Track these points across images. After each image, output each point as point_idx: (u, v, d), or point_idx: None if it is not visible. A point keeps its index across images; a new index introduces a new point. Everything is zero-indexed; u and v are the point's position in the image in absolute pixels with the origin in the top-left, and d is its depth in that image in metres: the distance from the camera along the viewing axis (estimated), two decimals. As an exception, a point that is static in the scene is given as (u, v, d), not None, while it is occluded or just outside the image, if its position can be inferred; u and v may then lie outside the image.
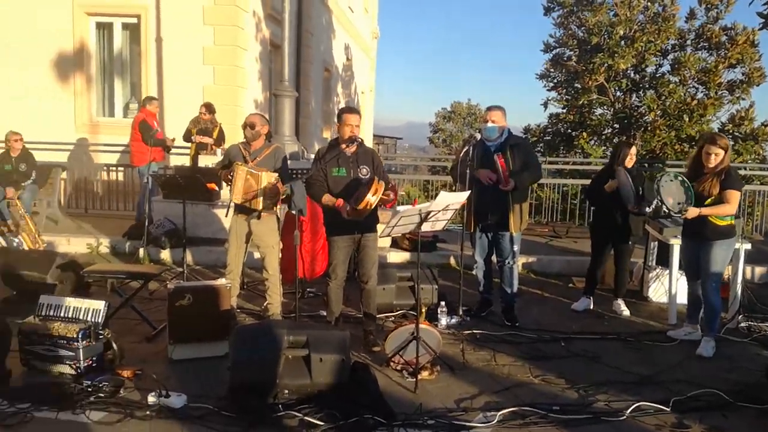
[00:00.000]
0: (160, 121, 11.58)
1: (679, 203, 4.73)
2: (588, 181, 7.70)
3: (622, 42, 14.95)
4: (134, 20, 11.99)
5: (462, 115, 36.39)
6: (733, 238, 4.86)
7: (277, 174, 4.91)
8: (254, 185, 4.80)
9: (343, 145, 4.63)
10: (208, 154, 8.87)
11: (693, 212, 4.66)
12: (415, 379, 4.05)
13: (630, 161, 5.72)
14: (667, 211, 4.84)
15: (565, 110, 16.50)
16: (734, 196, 4.63)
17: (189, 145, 9.19)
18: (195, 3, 11.58)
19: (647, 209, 5.73)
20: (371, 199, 4.28)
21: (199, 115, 9.02)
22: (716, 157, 4.69)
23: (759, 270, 7.45)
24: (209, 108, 9.08)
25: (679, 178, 4.79)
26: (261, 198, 4.78)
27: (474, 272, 5.76)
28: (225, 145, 9.07)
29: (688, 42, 15.51)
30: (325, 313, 5.47)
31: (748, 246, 5.64)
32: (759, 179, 13.11)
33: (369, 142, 22.04)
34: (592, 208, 8.35)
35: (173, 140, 8.85)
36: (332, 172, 4.62)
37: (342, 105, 20.80)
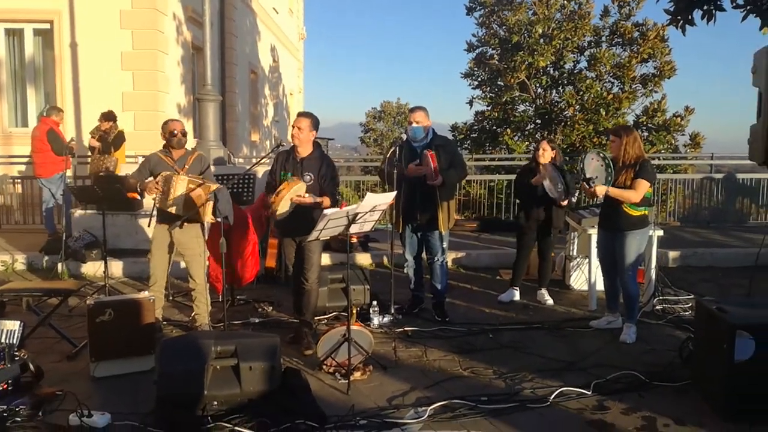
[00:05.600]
0: (78, 128, 11.18)
1: (596, 177, 4.94)
2: (513, 176, 7.93)
3: (541, 40, 15.41)
4: (47, 26, 11.51)
5: (392, 114, 36.67)
6: (646, 227, 5.08)
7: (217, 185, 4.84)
8: (202, 193, 4.68)
9: (296, 150, 4.77)
10: (101, 161, 8.52)
11: (601, 189, 4.90)
12: (347, 381, 4.07)
13: (542, 155, 5.91)
14: (583, 177, 5.01)
15: (489, 108, 16.87)
16: (641, 185, 4.85)
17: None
18: (111, 7, 11.21)
19: (572, 200, 5.99)
20: (282, 193, 4.44)
21: (98, 125, 8.79)
22: (611, 143, 5.06)
23: (673, 254, 7.87)
24: (107, 116, 8.82)
25: (607, 160, 4.93)
26: (209, 202, 4.70)
27: (405, 271, 5.83)
28: (124, 149, 8.81)
29: (603, 38, 16.14)
30: (255, 320, 5.47)
31: (661, 232, 5.94)
32: (672, 168, 13.81)
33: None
34: (517, 201, 8.60)
35: (72, 140, 8.53)
36: (281, 174, 4.70)
37: (270, 107, 20.60)
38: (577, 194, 5.47)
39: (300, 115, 4.83)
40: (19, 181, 10.06)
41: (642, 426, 3.57)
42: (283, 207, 4.52)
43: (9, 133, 11.61)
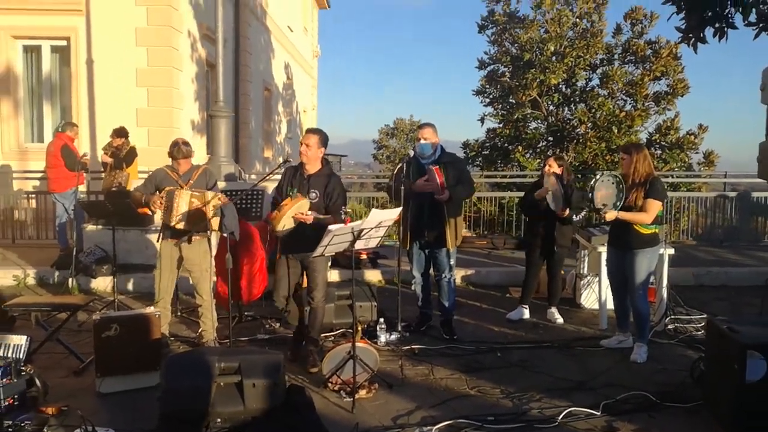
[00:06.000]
0: (93, 144, 11.31)
1: (604, 204, 4.87)
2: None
3: (553, 57, 15.41)
4: (63, 42, 11.69)
5: (405, 132, 36.80)
6: (656, 246, 5.01)
7: (222, 194, 4.87)
8: (203, 208, 4.71)
9: (304, 167, 4.77)
10: (112, 176, 8.58)
11: (611, 215, 4.85)
12: (352, 399, 4.04)
13: (549, 169, 5.87)
14: (591, 206, 4.98)
15: (501, 125, 16.87)
16: (652, 206, 4.81)
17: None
18: (127, 24, 11.38)
19: (575, 218, 5.93)
20: (283, 210, 4.44)
21: (111, 141, 8.86)
22: (622, 160, 5.03)
23: (686, 273, 7.75)
24: (119, 132, 8.87)
25: (621, 185, 4.86)
26: (216, 217, 4.73)
27: (413, 288, 5.80)
28: (136, 165, 8.86)
29: (616, 56, 16.12)
30: (262, 337, 5.47)
31: (672, 251, 5.88)
32: (685, 186, 13.68)
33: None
34: (525, 219, 8.55)
35: (85, 155, 8.58)
36: (287, 190, 4.70)
37: (283, 124, 20.74)
38: (583, 214, 5.41)
39: (308, 131, 4.84)
40: (33, 196, 10.17)
41: (651, 448, 3.51)
42: (285, 224, 4.50)
43: (25, 148, 11.76)
